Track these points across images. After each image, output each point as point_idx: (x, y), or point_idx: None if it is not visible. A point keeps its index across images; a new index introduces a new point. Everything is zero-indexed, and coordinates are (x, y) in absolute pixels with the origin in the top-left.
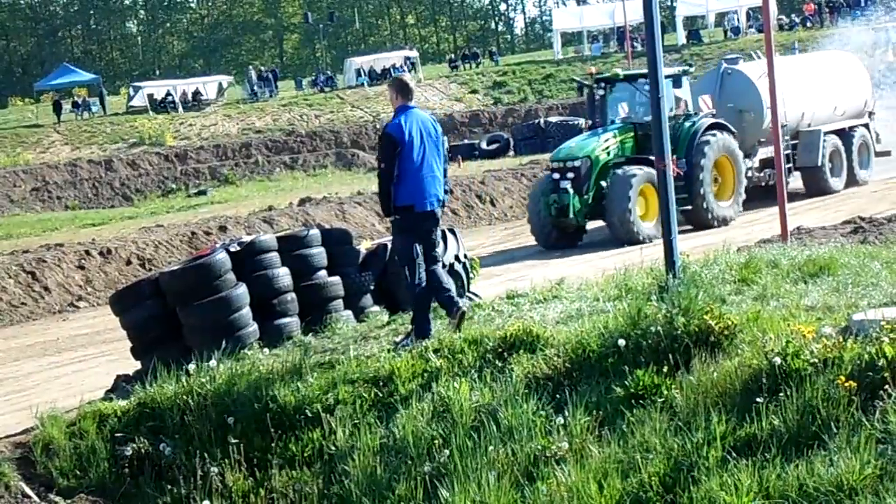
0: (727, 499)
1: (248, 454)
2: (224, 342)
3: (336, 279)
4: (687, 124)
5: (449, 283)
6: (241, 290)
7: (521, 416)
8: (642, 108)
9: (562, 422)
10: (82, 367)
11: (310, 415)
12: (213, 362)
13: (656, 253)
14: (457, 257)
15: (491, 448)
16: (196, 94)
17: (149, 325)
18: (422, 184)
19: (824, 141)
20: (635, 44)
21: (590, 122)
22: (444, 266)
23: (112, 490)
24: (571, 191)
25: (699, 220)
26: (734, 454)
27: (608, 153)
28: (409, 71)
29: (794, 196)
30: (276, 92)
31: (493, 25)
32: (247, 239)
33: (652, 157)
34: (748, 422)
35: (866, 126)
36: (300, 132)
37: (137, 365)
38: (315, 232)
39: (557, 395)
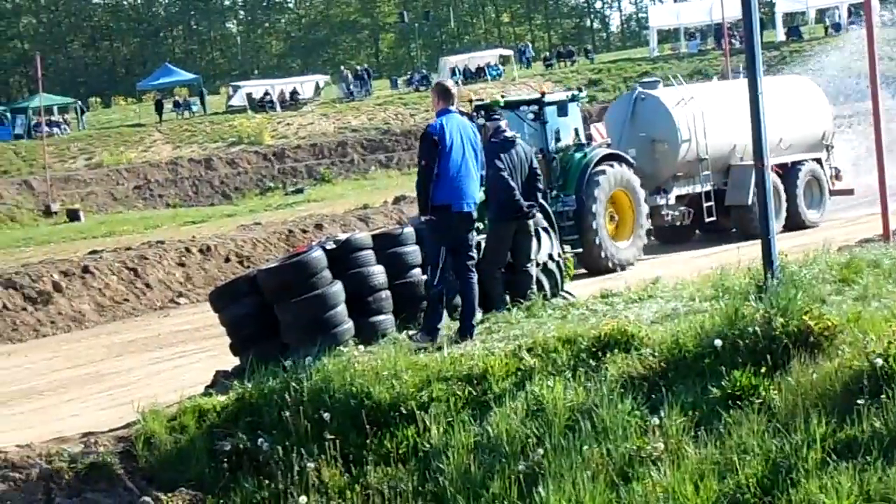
0: (827, 501)
1: (344, 450)
2: (320, 339)
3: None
4: (578, 155)
5: (476, 298)
6: (337, 288)
7: (616, 416)
8: (527, 139)
9: (657, 422)
10: (182, 363)
11: (404, 412)
12: (309, 359)
13: (754, 252)
14: (550, 256)
15: (585, 447)
16: (293, 93)
17: (246, 322)
18: (460, 185)
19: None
20: (733, 41)
21: None
22: (537, 265)
23: (211, 484)
24: None
25: (592, 263)
26: (834, 456)
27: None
28: (505, 65)
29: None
30: (371, 91)
31: (588, 23)
32: (342, 237)
33: (540, 201)
34: (848, 424)
35: (818, 161)
36: (395, 131)
37: (236, 361)
38: (409, 230)
39: (653, 396)
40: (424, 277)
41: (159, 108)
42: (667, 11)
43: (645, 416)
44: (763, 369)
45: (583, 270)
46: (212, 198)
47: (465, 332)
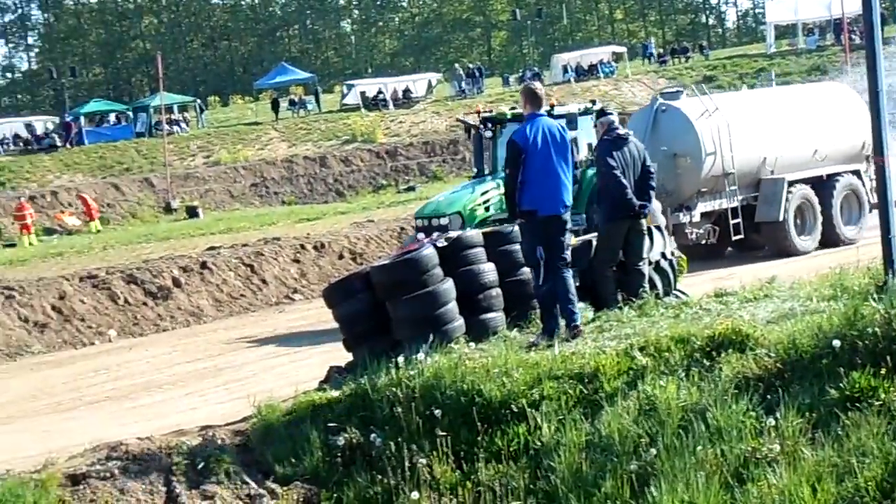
0: None
1: (456, 447)
2: (431, 336)
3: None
4: (590, 172)
5: (574, 296)
6: (448, 285)
7: (731, 417)
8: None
9: (773, 423)
10: (297, 358)
11: (515, 410)
12: (420, 355)
13: (874, 251)
14: (663, 254)
15: (699, 448)
16: (406, 91)
17: (359, 318)
18: (546, 189)
19: (789, 192)
20: (853, 36)
21: (475, 170)
22: (649, 264)
23: (325, 478)
24: None
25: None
26: None
27: (488, 208)
28: (618, 62)
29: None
30: (483, 89)
31: (703, 19)
32: (454, 234)
33: None
34: None
35: (857, 173)
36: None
37: (349, 356)
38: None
39: (768, 396)
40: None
41: (276, 106)
42: (784, 6)
43: (760, 417)
44: (883, 371)
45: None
46: (326, 195)
47: (547, 329)
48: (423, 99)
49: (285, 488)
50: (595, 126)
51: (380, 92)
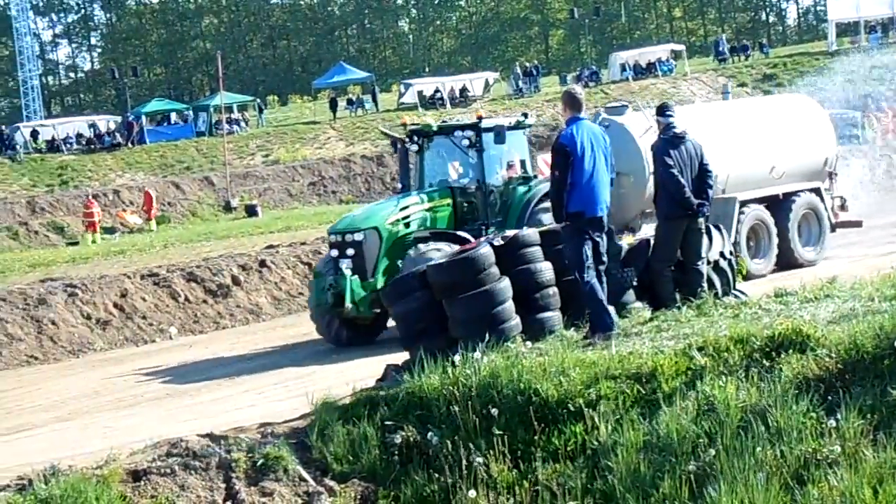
0: None
1: (512, 446)
2: (487, 334)
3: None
4: (521, 190)
5: (604, 301)
6: (505, 284)
7: (791, 418)
8: (463, 169)
9: (834, 424)
10: (354, 356)
11: (572, 409)
12: (477, 354)
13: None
14: (721, 254)
15: (759, 449)
16: (463, 90)
17: (416, 317)
18: (592, 192)
19: (741, 212)
20: None
21: (401, 185)
22: (708, 263)
23: (383, 476)
24: (349, 272)
25: None
26: None
27: (407, 225)
28: (676, 60)
29: None
30: (540, 87)
31: (763, 17)
32: (510, 233)
33: (465, 234)
34: None
35: (817, 191)
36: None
37: (406, 355)
38: None
39: (829, 397)
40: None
41: (333, 105)
42: (846, 4)
43: (821, 417)
44: None
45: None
46: (383, 194)
47: (595, 330)
48: (479, 98)
49: (343, 486)
50: (659, 126)
51: (437, 91)
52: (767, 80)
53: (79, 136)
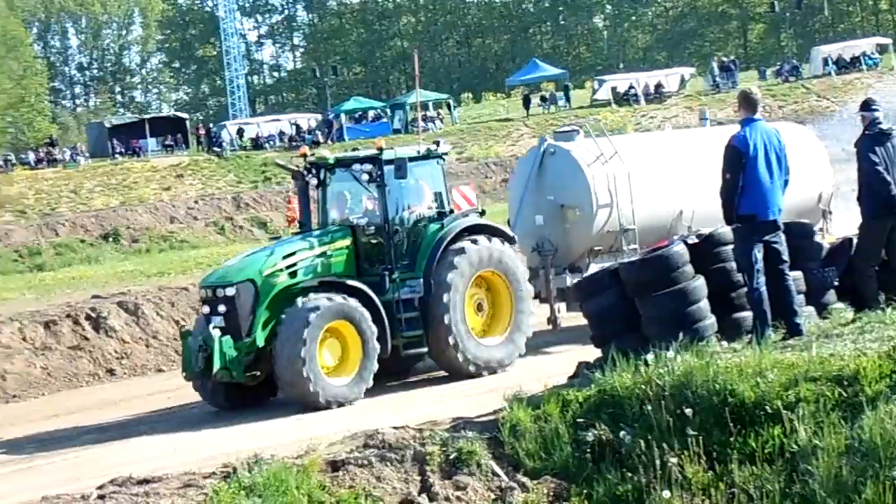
0: None
1: (707, 447)
2: (681, 334)
3: (797, 274)
4: (432, 227)
5: (796, 300)
6: (699, 283)
7: None
8: (355, 206)
9: None
10: (546, 352)
11: (770, 411)
12: (670, 353)
13: None
14: None
15: None
16: (658, 86)
17: (608, 315)
18: (765, 194)
19: None
20: None
21: (299, 225)
22: None
23: (575, 474)
24: (217, 332)
25: (445, 365)
26: None
27: (294, 274)
28: (882, 54)
29: None
30: (737, 82)
31: None
32: (705, 231)
33: (356, 283)
34: None
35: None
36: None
37: (598, 352)
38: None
39: None
40: (793, 274)
41: (527, 102)
42: None
43: None
44: None
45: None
46: None
47: (793, 330)
48: (675, 94)
49: (535, 482)
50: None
51: (631, 87)
52: None
53: (281, 133)
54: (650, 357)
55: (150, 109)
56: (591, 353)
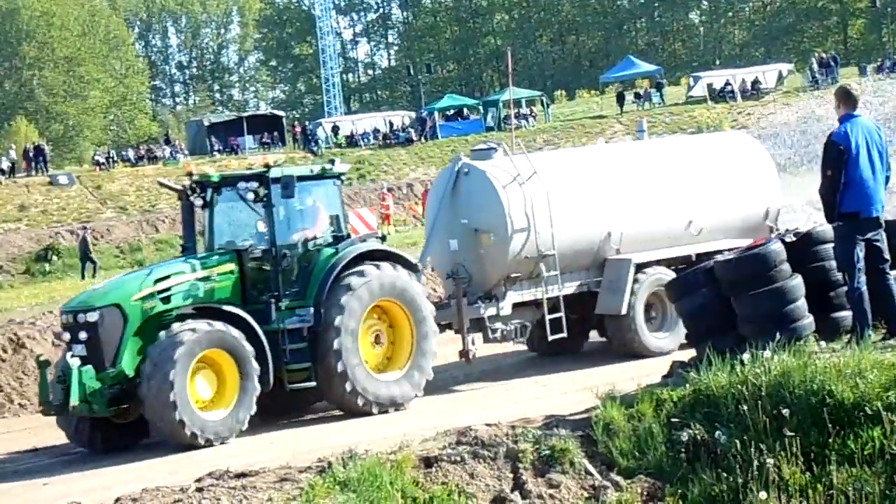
0: None
1: (805, 448)
2: (778, 333)
3: None
4: (326, 253)
5: (868, 311)
6: (797, 282)
7: None
8: (249, 228)
9: None
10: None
11: (869, 412)
12: (767, 353)
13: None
14: None
15: None
16: (755, 82)
17: (703, 313)
18: (867, 191)
19: (638, 276)
20: None
21: (182, 247)
22: None
23: (669, 474)
24: (77, 362)
25: (336, 401)
26: None
27: (167, 299)
28: None
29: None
30: (837, 79)
31: None
32: (803, 229)
33: (236, 310)
34: None
35: None
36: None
37: (693, 351)
38: None
39: None
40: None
41: (621, 99)
42: None
43: None
44: None
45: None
46: None
47: (893, 330)
48: (772, 90)
49: (629, 481)
50: None
51: (727, 83)
52: None
53: (375, 131)
54: (746, 357)
55: (247, 107)
56: (686, 352)
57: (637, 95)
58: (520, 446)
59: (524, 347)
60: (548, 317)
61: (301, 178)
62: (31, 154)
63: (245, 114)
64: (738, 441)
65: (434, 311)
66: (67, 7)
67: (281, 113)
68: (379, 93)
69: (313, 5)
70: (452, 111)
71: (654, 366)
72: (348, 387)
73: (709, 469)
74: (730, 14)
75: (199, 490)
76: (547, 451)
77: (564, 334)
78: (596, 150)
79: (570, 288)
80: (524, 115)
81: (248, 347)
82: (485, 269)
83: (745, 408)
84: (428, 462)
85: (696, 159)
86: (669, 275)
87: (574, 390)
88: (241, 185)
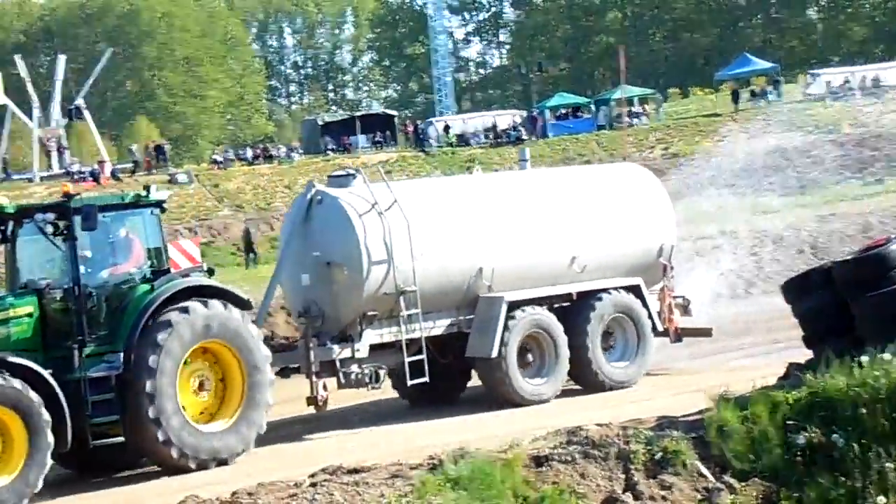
0: None
1: None
2: None
3: None
4: (141, 290)
5: None
6: None
7: None
8: (53, 264)
9: None
10: (751, 353)
11: None
12: (887, 355)
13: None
14: None
15: None
16: (875, 80)
17: (820, 315)
18: None
19: (511, 316)
20: None
21: None
22: None
23: (784, 477)
24: None
25: (153, 457)
26: None
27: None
28: None
29: None
30: None
31: None
32: None
33: (22, 361)
34: None
35: (635, 290)
36: None
37: (809, 353)
38: None
39: None
40: None
41: (735, 97)
42: None
43: None
44: None
45: None
46: (786, 188)
47: None
48: (894, 88)
49: (743, 484)
50: None
51: (846, 81)
52: None
53: (486, 130)
54: (865, 359)
55: (360, 107)
56: (803, 354)
57: (753, 93)
58: (631, 447)
59: (395, 394)
60: (407, 359)
61: (109, 207)
62: (152, 152)
63: (358, 113)
64: (855, 445)
65: (270, 356)
66: (187, 8)
67: (393, 112)
68: (490, 92)
69: (426, 5)
70: (563, 110)
71: (767, 368)
72: (160, 436)
73: (826, 473)
74: (849, 10)
75: (313, 485)
76: (659, 453)
77: (426, 378)
78: (468, 179)
79: (439, 328)
80: (636, 113)
81: (38, 402)
82: (338, 307)
83: (864, 411)
84: (538, 461)
85: (583, 192)
86: (548, 316)
87: (685, 391)
88: (39, 216)
